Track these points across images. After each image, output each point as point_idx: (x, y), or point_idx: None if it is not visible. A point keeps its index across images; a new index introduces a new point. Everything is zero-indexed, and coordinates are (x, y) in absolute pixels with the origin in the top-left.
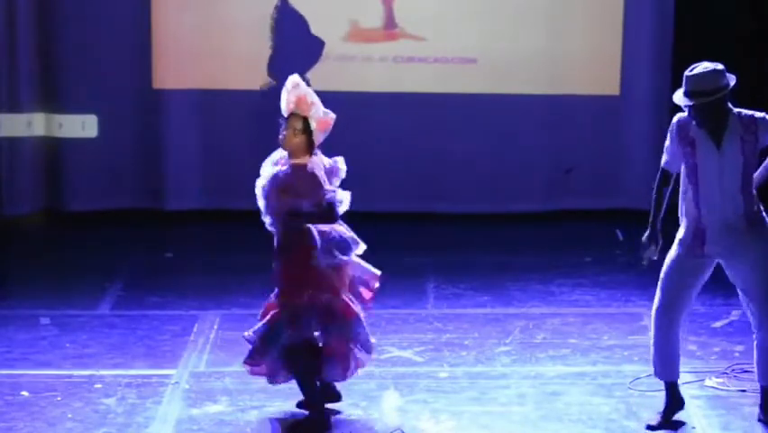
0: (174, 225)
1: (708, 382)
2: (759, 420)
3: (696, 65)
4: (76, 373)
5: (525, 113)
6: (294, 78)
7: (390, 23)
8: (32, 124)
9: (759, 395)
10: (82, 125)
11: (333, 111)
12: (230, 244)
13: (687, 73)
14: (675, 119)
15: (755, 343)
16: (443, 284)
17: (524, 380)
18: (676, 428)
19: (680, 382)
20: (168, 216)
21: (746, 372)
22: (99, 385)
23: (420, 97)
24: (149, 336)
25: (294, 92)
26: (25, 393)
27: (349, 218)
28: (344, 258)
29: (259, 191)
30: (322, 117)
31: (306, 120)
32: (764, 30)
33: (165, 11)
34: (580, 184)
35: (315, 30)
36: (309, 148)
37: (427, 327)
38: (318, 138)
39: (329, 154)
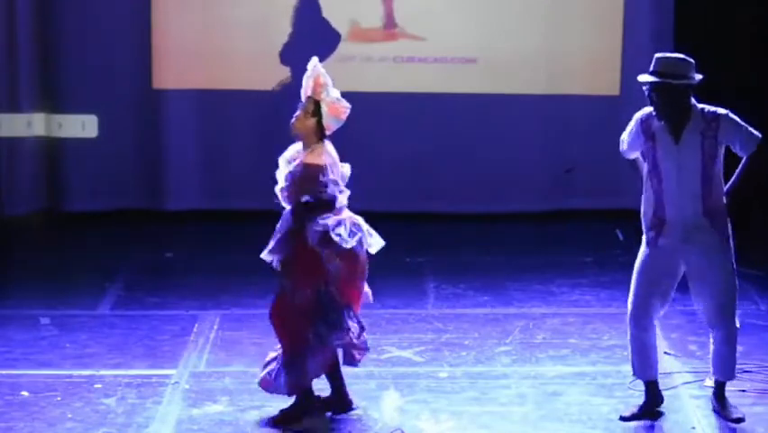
0: (174, 225)
1: (708, 382)
2: (713, 410)
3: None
4: (76, 373)
5: (524, 113)
6: (312, 61)
7: (390, 22)
8: (32, 124)
9: (713, 387)
10: (82, 125)
11: None
12: (230, 244)
13: (657, 55)
14: (639, 114)
15: (712, 339)
16: (443, 284)
17: (524, 380)
18: (652, 420)
19: (680, 382)
20: (168, 216)
21: (746, 372)
22: (99, 385)
23: (420, 97)
24: (149, 336)
25: (312, 75)
26: (25, 393)
27: None
28: (352, 245)
29: (278, 191)
30: (334, 102)
31: (318, 103)
32: (765, 30)
33: (165, 11)
34: (580, 184)
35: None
36: (320, 132)
37: (427, 327)
38: (329, 124)
39: None
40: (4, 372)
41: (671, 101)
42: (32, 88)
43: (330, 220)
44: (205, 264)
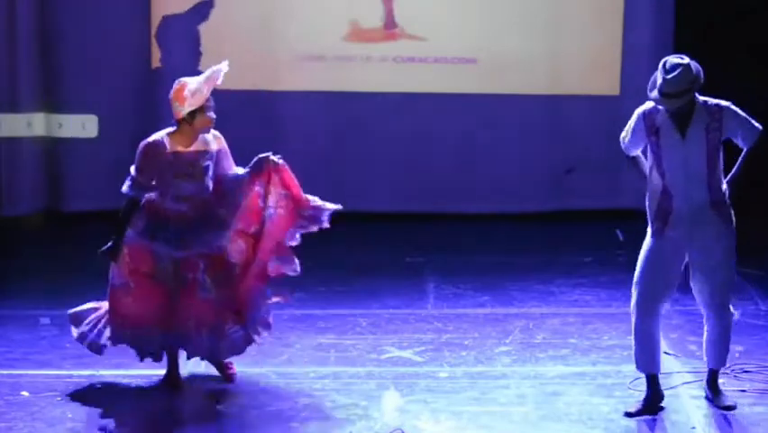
0: None
1: None
2: (706, 398)
3: (666, 59)
4: (76, 373)
5: (524, 112)
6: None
7: (390, 22)
8: (32, 124)
9: (706, 375)
10: (82, 125)
11: (333, 111)
12: None
13: (667, 77)
14: (641, 109)
15: (707, 327)
16: (443, 284)
17: (524, 380)
18: (654, 415)
19: (680, 382)
20: None
21: (746, 372)
22: (99, 385)
23: (420, 97)
24: None
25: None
26: (25, 393)
27: (349, 218)
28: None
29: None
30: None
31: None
32: (765, 31)
33: (165, 10)
34: (580, 184)
35: (316, 29)
36: (180, 122)
37: (427, 327)
38: (179, 106)
39: (329, 152)
40: (4, 372)
41: (682, 108)
42: (31, 88)
43: None
44: None
